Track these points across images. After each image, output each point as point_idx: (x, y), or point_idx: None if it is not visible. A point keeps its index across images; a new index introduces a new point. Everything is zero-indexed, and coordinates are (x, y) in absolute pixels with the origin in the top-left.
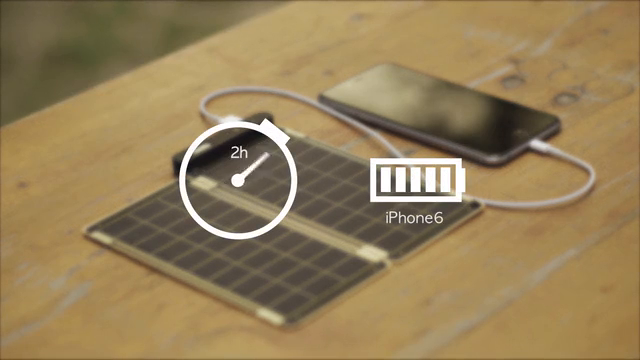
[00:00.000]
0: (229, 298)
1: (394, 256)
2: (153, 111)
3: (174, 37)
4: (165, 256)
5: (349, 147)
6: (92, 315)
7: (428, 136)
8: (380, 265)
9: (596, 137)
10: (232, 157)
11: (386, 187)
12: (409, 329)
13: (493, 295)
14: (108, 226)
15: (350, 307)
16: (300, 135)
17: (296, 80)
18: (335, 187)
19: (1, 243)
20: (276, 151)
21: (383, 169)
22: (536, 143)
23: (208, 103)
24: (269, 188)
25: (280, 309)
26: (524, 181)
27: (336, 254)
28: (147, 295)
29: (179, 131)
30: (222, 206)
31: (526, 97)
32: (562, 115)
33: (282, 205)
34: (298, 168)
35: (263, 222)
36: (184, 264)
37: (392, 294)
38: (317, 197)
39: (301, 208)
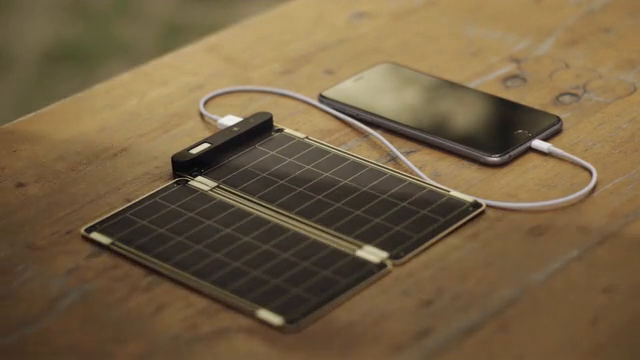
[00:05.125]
0: (228, 299)
1: (395, 256)
2: (152, 111)
3: (173, 36)
4: (164, 257)
5: (349, 147)
6: (91, 316)
7: (429, 136)
8: (381, 266)
9: (598, 137)
10: (232, 157)
11: (385, 187)
12: (410, 330)
13: (494, 296)
14: (106, 226)
15: (350, 308)
16: (300, 135)
17: (296, 79)
18: (335, 187)
19: None
20: (276, 151)
21: (383, 169)
22: (538, 143)
23: (207, 102)
24: (269, 188)
25: (280, 310)
26: (525, 181)
27: (336, 255)
28: (146, 296)
29: (178, 131)
30: (222, 206)
31: (527, 96)
32: (564, 115)
33: (282, 205)
34: (298, 168)
35: (263, 222)
36: (183, 265)
37: (393, 295)
38: (317, 197)
39: (301, 208)
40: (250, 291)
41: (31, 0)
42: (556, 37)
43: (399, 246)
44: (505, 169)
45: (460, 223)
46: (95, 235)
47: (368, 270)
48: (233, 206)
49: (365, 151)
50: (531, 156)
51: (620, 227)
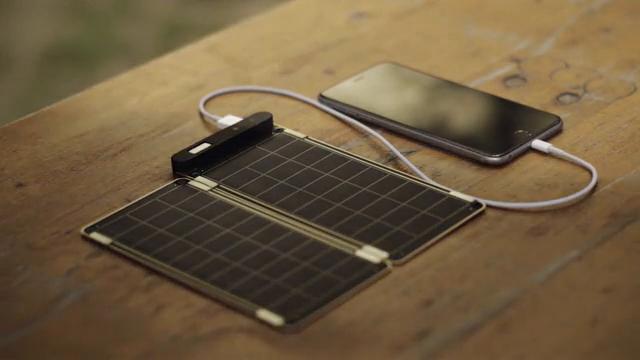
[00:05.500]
0: (228, 299)
1: (395, 256)
2: (152, 110)
3: (173, 36)
4: (164, 257)
5: (349, 147)
6: (90, 316)
7: (429, 136)
8: (381, 266)
9: (598, 137)
10: (232, 157)
11: (385, 187)
12: (410, 330)
13: (494, 296)
14: (106, 226)
15: (350, 308)
16: (300, 135)
17: (296, 79)
18: (335, 187)
19: None
20: (276, 151)
21: (383, 169)
22: (538, 143)
23: (207, 102)
24: (269, 188)
25: (280, 310)
26: (526, 181)
27: (336, 255)
28: (146, 296)
29: (178, 131)
30: (222, 206)
31: (528, 96)
32: (564, 115)
33: (282, 205)
34: (298, 168)
35: (263, 222)
36: (183, 265)
37: (393, 295)
38: (317, 197)
39: (301, 208)
40: (250, 291)
41: (31, 0)
42: (556, 37)
43: (399, 246)
44: (505, 169)
45: (460, 223)
46: (95, 235)
47: (368, 270)
48: (233, 206)
49: (365, 151)
50: (531, 156)
51: (620, 227)
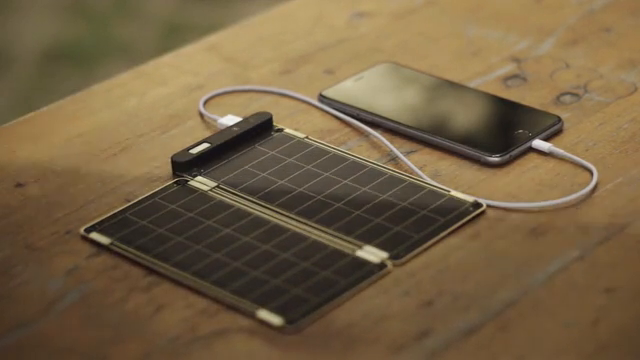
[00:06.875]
0: (228, 299)
1: (395, 257)
2: (151, 110)
3: (173, 36)
4: (163, 257)
5: (349, 147)
6: (90, 316)
7: (429, 136)
8: (381, 266)
9: (599, 137)
10: (232, 157)
11: (385, 187)
12: (410, 330)
13: (495, 296)
14: (106, 226)
15: (350, 308)
16: (300, 135)
17: (296, 79)
18: (335, 187)
19: None
20: (276, 151)
21: (383, 169)
22: (538, 143)
23: (207, 102)
24: (269, 188)
25: (280, 310)
26: (526, 181)
27: (336, 255)
28: (145, 296)
29: (178, 131)
30: (222, 206)
31: (528, 96)
32: (564, 114)
33: (282, 205)
34: (298, 168)
35: (263, 222)
36: (183, 265)
37: (393, 295)
38: (317, 197)
39: (301, 208)
40: (250, 291)
41: (31, 0)
42: (557, 37)
43: (399, 246)
44: (506, 169)
45: (460, 223)
46: (94, 235)
47: (368, 270)
48: (233, 206)
49: (365, 151)
50: (532, 156)
51: (621, 227)
